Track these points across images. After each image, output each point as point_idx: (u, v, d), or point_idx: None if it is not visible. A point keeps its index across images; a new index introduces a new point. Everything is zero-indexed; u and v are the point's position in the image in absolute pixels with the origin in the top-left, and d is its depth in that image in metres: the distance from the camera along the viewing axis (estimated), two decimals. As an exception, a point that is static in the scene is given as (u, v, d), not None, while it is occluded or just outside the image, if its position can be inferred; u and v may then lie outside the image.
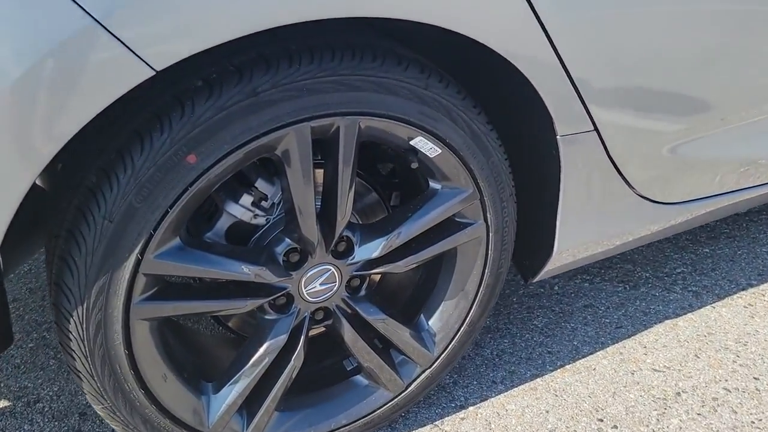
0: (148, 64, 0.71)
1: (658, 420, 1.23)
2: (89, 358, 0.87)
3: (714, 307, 1.51)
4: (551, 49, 0.93)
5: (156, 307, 0.89)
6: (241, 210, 0.95)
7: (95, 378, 0.89)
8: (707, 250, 1.71)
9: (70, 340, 0.86)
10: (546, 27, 0.91)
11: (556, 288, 1.59)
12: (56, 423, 1.24)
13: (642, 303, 1.53)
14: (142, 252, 0.83)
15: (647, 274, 1.63)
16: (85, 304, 0.84)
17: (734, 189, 1.30)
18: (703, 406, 1.26)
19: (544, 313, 1.51)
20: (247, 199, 0.95)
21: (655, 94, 1.09)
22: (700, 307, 1.51)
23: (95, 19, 0.68)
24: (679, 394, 1.29)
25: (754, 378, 1.32)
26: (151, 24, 0.71)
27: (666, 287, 1.58)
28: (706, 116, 1.18)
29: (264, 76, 0.82)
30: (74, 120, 0.71)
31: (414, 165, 0.97)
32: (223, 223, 0.95)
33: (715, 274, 1.62)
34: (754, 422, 1.22)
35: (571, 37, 0.94)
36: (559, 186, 1.08)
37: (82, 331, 0.85)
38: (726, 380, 1.31)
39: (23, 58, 0.67)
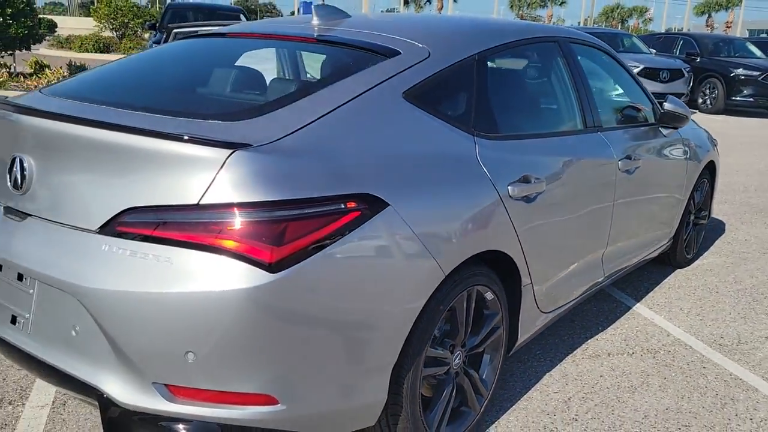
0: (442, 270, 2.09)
1: (567, 410, 2.76)
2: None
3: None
4: (519, 244, 2.50)
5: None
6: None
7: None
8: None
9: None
10: (519, 237, 2.49)
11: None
12: None
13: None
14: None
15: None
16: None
17: (565, 303, 2.99)
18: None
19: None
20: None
21: (542, 267, 2.73)
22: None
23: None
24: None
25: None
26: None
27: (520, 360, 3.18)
28: (550, 276, 2.84)
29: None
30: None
31: (489, 297, 2.43)
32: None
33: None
34: (601, 401, 2.82)
35: (524, 241, 2.53)
36: (518, 307, 2.61)
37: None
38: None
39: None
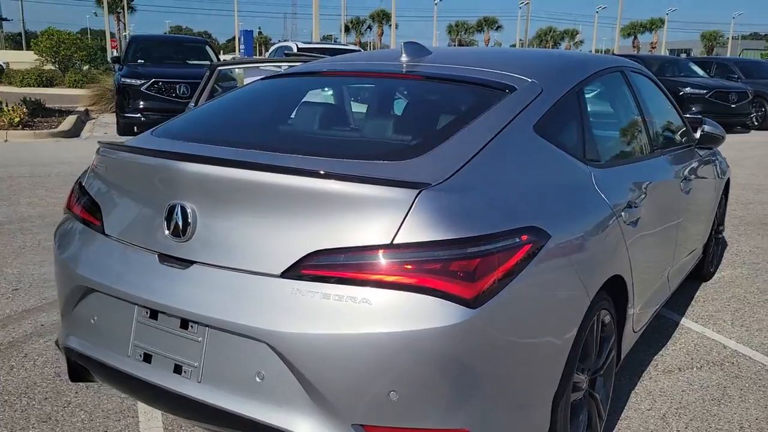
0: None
1: None
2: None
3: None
4: (629, 267, 2.59)
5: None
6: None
7: None
8: (612, 361, 3.45)
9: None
10: (630, 260, 2.57)
11: (579, 391, 3.13)
12: None
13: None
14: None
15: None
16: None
17: (647, 321, 3.09)
18: None
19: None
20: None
21: (640, 288, 2.82)
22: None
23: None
24: None
25: None
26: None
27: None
28: (643, 296, 2.95)
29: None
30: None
31: (607, 320, 2.49)
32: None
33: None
34: None
35: (632, 265, 2.61)
36: (623, 328, 2.69)
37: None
38: (670, 406, 3.00)
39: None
